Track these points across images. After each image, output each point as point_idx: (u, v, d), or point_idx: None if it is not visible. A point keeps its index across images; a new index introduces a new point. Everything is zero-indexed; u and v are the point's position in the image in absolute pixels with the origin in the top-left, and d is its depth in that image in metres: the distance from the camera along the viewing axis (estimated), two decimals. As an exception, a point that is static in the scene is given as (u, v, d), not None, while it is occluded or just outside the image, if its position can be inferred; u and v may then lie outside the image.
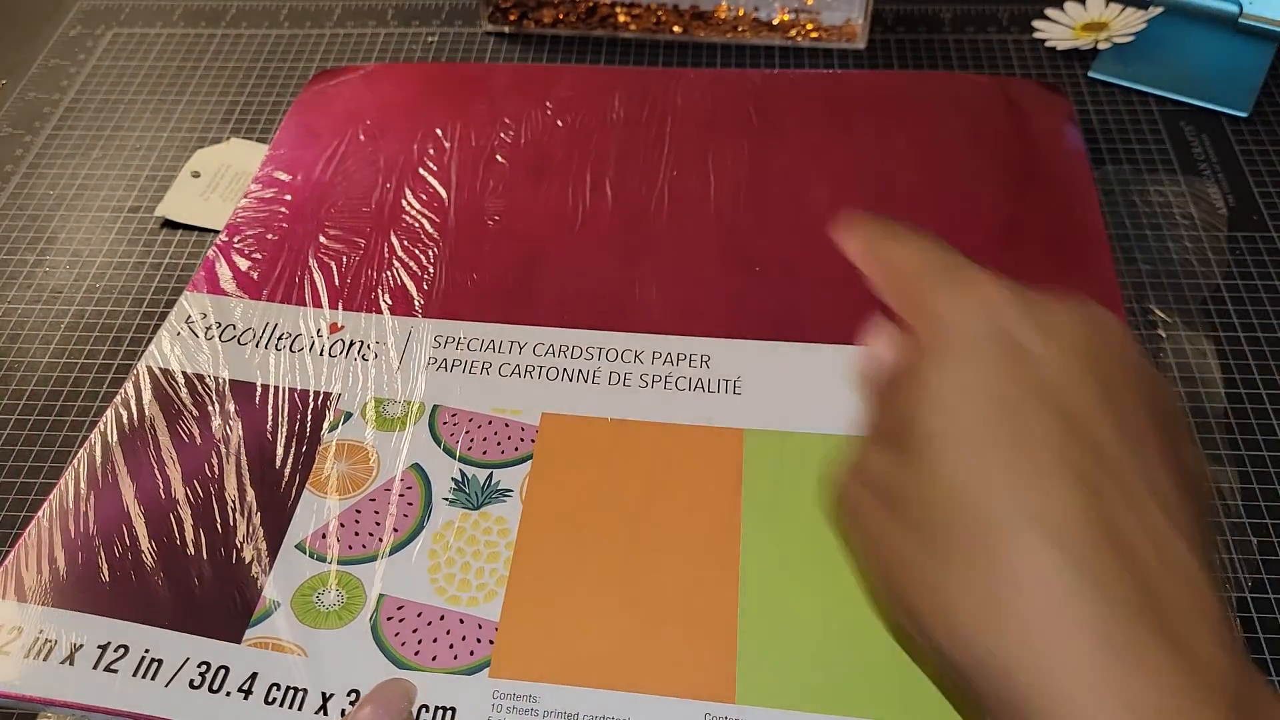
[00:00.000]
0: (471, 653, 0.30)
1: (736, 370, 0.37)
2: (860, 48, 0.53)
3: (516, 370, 0.38)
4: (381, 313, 0.40)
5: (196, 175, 0.47)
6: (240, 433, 0.36)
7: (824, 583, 0.31)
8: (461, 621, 0.31)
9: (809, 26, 0.53)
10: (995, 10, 0.55)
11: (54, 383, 0.40)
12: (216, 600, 0.31)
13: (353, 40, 0.55)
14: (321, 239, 0.42)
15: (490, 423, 0.36)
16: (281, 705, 0.29)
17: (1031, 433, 0.22)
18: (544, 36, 0.55)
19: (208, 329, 0.39)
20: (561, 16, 0.54)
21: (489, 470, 0.35)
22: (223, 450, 0.35)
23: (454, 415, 0.36)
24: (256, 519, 0.33)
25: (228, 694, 0.29)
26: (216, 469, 0.35)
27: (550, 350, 0.38)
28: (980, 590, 0.21)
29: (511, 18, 0.55)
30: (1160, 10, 0.52)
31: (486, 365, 0.38)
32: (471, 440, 0.36)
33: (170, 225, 0.46)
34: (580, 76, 0.50)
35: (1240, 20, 0.52)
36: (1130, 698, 0.19)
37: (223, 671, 0.30)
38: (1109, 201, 0.45)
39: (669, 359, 0.37)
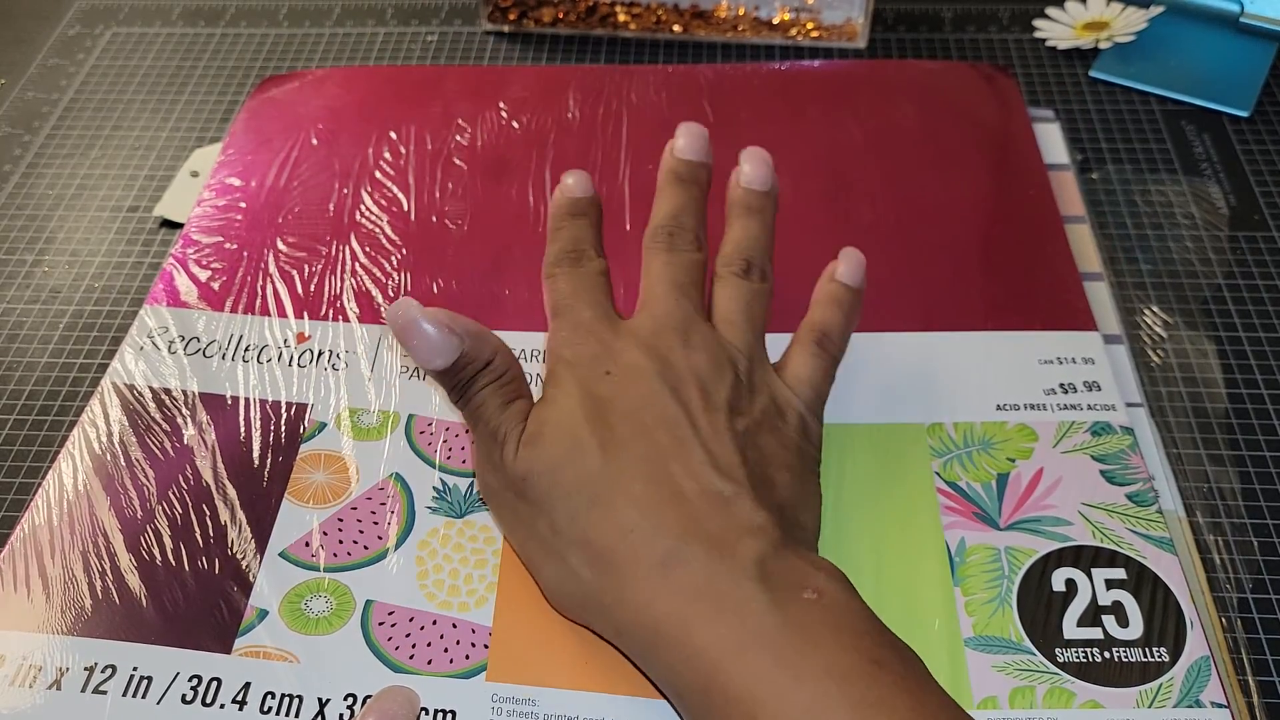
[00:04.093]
0: (467, 656, 0.30)
1: None
2: (861, 47, 0.53)
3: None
4: (349, 321, 0.39)
5: (195, 175, 0.47)
6: (215, 444, 0.35)
7: None
8: (454, 626, 0.31)
9: (809, 25, 0.53)
10: (996, 9, 0.55)
11: (52, 382, 0.40)
12: (202, 612, 0.31)
13: (352, 40, 0.55)
14: (280, 246, 0.42)
15: (467, 431, 0.35)
16: (277, 714, 0.29)
17: (609, 428, 0.29)
18: (544, 36, 0.55)
19: (171, 343, 0.39)
20: (561, 16, 0.54)
21: (470, 479, 0.34)
22: (198, 463, 0.35)
23: (430, 425, 0.36)
24: (238, 530, 0.33)
25: (221, 706, 0.29)
26: (193, 481, 0.34)
27: (522, 355, 0.38)
28: (588, 551, 0.28)
29: (511, 17, 0.55)
30: (1161, 9, 0.52)
31: None
32: (450, 450, 0.35)
33: (169, 225, 0.46)
34: (532, 76, 0.50)
35: (1241, 20, 0.51)
36: (678, 590, 0.26)
37: (215, 684, 0.29)
38: (1110, 201, 0.45)
39: None
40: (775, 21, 0.53)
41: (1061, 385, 0.36)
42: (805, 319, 0.34)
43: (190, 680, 0.29)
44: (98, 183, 0.48)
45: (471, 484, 0.34)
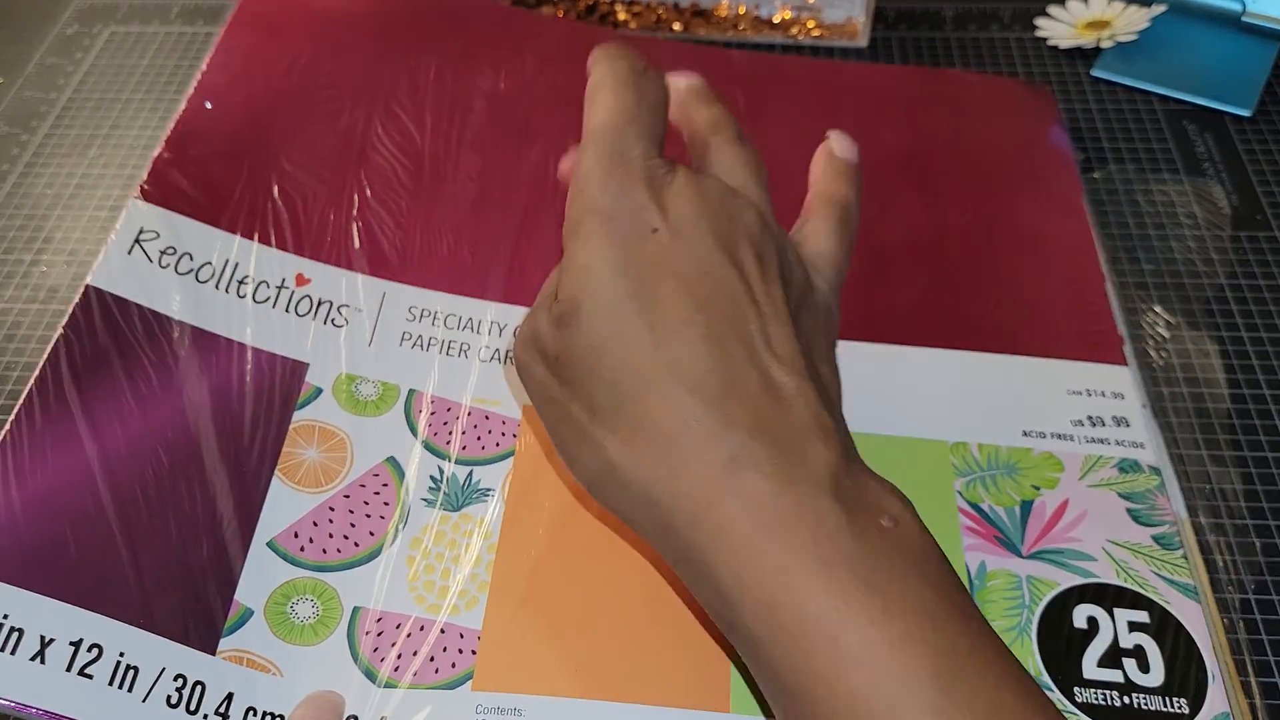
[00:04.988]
0: (453, 665, 0.29)
1: None
2: (862, 45, 0.52)
3: (497, 355, 0.35)
4: (352, 269, 0.36)
5: (194, 174, 0.47)
6: (206, 394, 0.32)
7: None
8: (443, 631, 0.30)
9: (810, 24, 0.53)
10: (997, 8, 0.55)
11: (50, 382, 0.40)
12: (189, 597, 0.29)
13: (351, 38, 0.55)
14: (285, 165, 0.38)
15: (469, 414, 0.34)
16: None
17: (659, 301, 0.25)
18: (544, 34, 0.54)
19: (163, 253, 0.35)
20: (561, 14, 0.54)
21: (469, 468, 0.33)
22: (188, 413, 0.32)
23: (431, 404, 0.34)
24: (228, 505, 0.31)
25: (205, 716, 0.28)
26: (184, 434, 0.31)
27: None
28: (636, 442, 0.25)
29: (511, 15, 0.55)
30: (1163, 8, 0.52)
31: (465, 347, 0.35)
32: (450, 434, 0.33)
33: (168, 224, 0.46)
34: (565, 31, 0.46)
35: (1244, 19, 0.51)
36: (746, 494, 0.24)
37: (199, 688, 0.28)
38: (1112, 201, 0.45)
39: None
40: (776, 20, 0.53)
41: (1090, 418, 0.35)
42: (814, 193, 0.31)
43: (176, 680, 0.28)
44: (95, 182, 0.48)
45: (471, 474, 0.33)
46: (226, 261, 0.35)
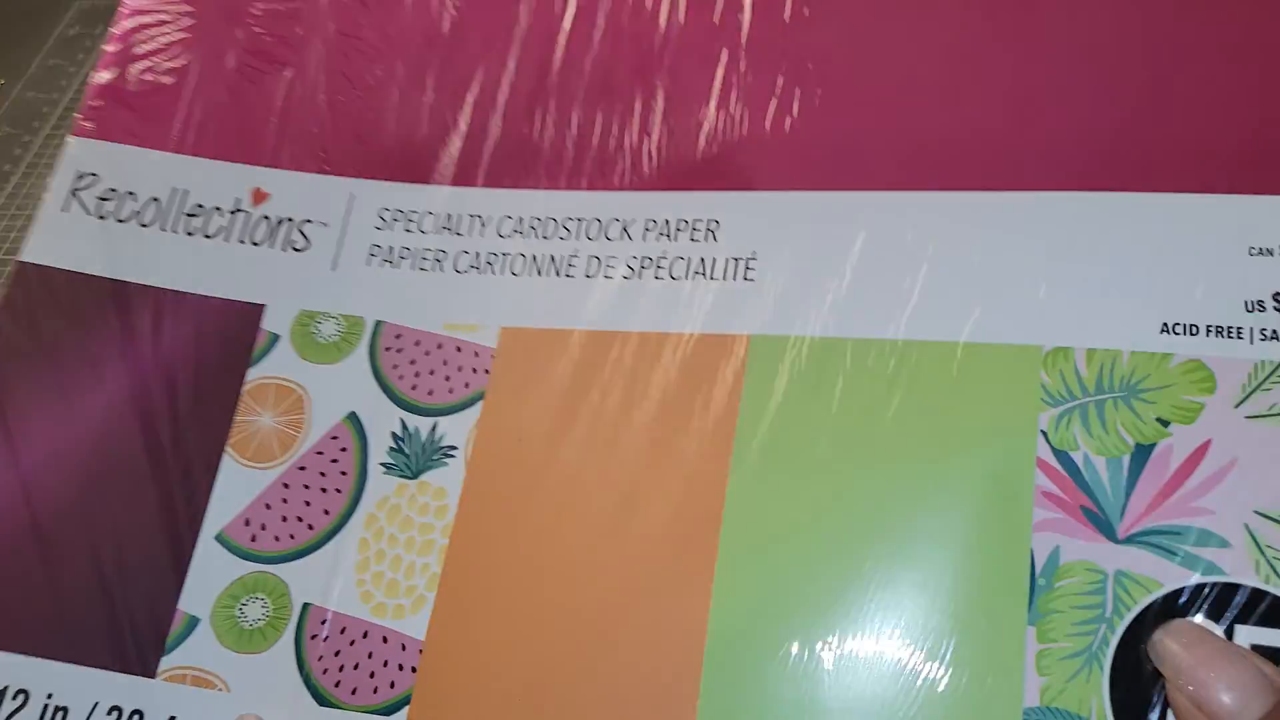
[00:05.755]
0: (392, 684, 0.25)
1: (751, 243, 0.27)
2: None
3: (475, 261, 0.29)
4: (320, 170, 0.30)
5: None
6: (148, 367, 0.29)
7: (825, 592, 0.24)
8: (385, 640, 0.26)
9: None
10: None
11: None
12: (126, 615, 0.27)
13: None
14: (231, 61, 0.32)
15: (440, 347, 0.28)
16: None
17: None
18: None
19: (102, 200, 0.30)
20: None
21: (433, 420, 0.28)
22: (126, 394, 0.28)
23: (399, 337, 0.29)
24: (171, 500, 0.27)
25: None
26: (119, 423, 0.28)
27: (517, 227, 0.29)
28: None
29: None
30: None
31: (441, 255, 0.29)
32: (418, 374, 0.28)
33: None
34: None
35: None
36: None
37: (136, 718, 0.26)
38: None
39: (665, 230, 0.28)
40: None
41: (1276, 296, 0.24)
42: None
43: (110, 714, 0.25)
44: (98, 182, 0.48)
45: (435, 427, 0.28)
46: (174, 191, 0.30)
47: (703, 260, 0.27)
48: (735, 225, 0.28)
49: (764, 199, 0.28)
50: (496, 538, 0.26)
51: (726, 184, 0.28)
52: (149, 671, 0.26)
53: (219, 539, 0.27)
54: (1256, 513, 0.22)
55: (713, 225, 0.28)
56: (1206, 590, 0.22)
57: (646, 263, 0.28)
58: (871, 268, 0.26)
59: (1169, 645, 0.21)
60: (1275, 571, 0.22)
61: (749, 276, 0.27)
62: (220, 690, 0.26)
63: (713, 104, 0.29)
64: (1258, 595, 0.21)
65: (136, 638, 0.26)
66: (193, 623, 0.26)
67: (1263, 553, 0.22)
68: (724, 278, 0.27)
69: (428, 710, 0.25)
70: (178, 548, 0.27)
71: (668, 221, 0.28)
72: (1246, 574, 0.22)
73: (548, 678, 0.25)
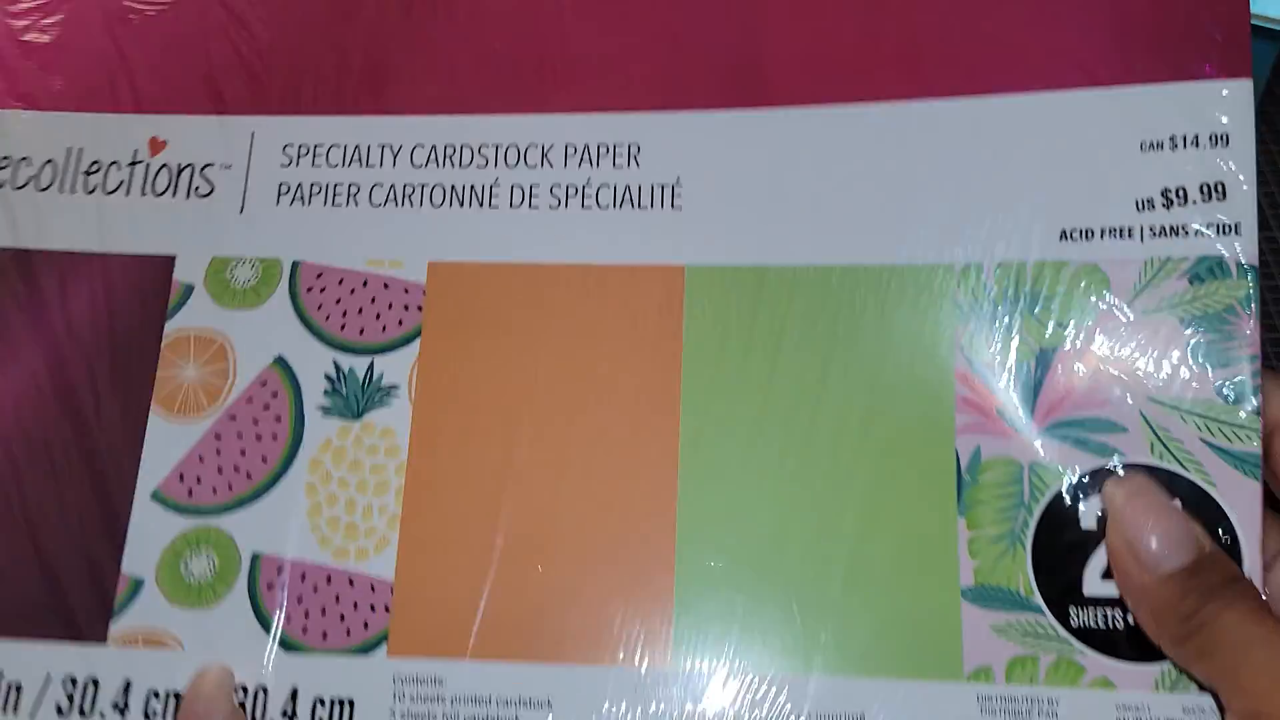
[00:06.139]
0: (366, 624, 0.26)
1: (674, 166, 0.27)
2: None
3: (392, 194, 0.28)
4: (219, 111, 0.29)
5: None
6: (60, 333, 0.28)
7: (786, 499, 0.25)
8: (351, 583, 0.26)
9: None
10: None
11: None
12: (68, 587, 0.26)
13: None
14: (120, 3, 0.30)
15: (366, 284, 0.28)
16: (162, 717, 0.25)
17: None
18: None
19: None
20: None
21: (369, 358, 0.27)
22: (39, 364, 0.28)
23: (319, 276, 0.28)
24: (101, 463, 0.27)
25: (101, 715, 0.25)
26: (35, 395, 0.28)
27: (433, 155, 0.28)
28: None
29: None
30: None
31: (354, 189, 0.28)
32: (345, 313, 0.27)
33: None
34: None
35: (1242, 19, 0.50)
36: None
37: (92, 686, 0.25)
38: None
39: (587, 155, 0.28)
40: None
41: (1166, 193, 0.25)
42: None
43: (65, 685, 0.25)
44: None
45: (371, 365, 0.27)
46: (68, 151, 0.29)
47: (628, 187, 0.27)
48: (656, 149, 0.28)
49: (682, 120, 0.28)
50: (453, 473, 0.26)
51: (642, 105, 0.28)
52: (99, 638, 0.26)
53: (155, 497, 0.27)
54: (1149, 399, 0.24)
55: (634, 150, 0.28)
56: (1109, 471, 0.24)
57: (573, 190, 0.28)
58: (797, 192, 0.27)
59: (1115, 493, 0.24)
60: (1168, 450, 0.24)
61: (676, 204, 0.27)
62: (174, 649, 0.26)
63: (627, 31, 0.29)
64: (1152, 471, 0.24)
65: (83, 606, 0.26)
66: (137, 585, 0.26)
67: (1156, 434, 0.24)
68: (652, 205, 0.27)
69: (405, 645, 0.25)
70: (113, 511, 0.27)
71: (587, 147, 0.28)
72: (1142, 454, 0.24)
73: (521, 599, 0.25)
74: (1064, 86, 0.26)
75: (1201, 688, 0.23)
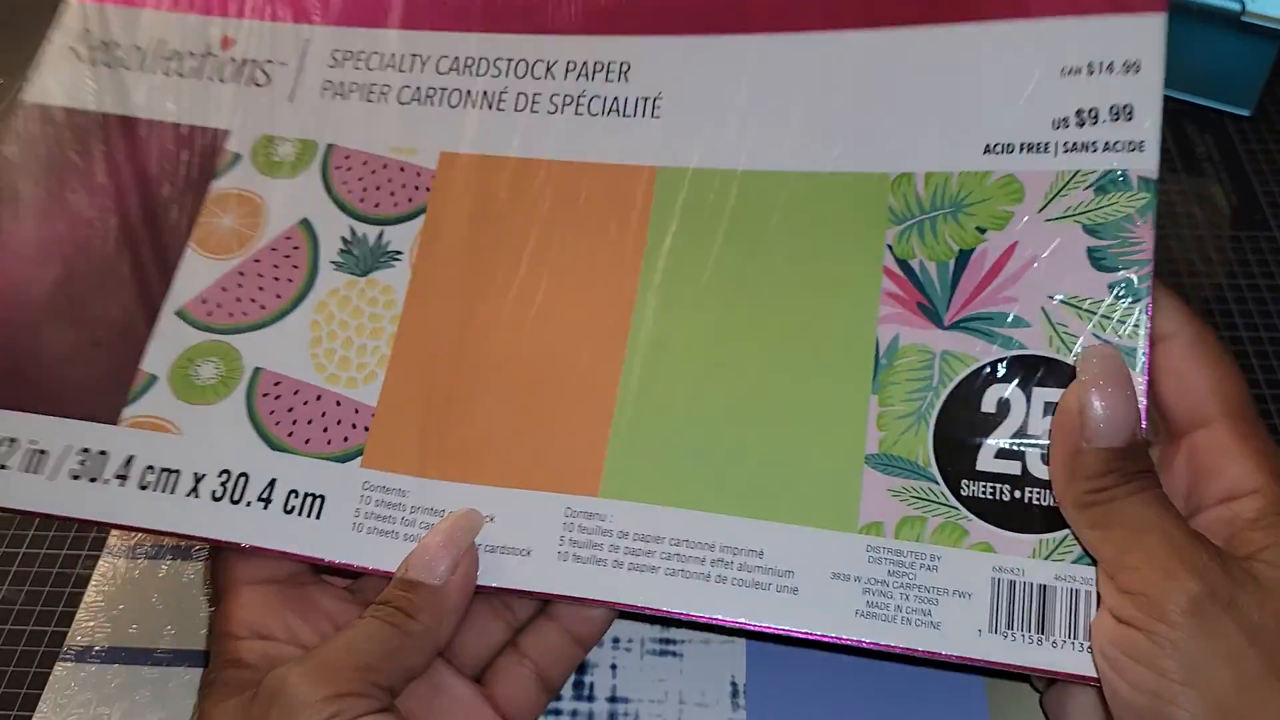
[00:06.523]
0: (345, 438, 0.30)
1: (658, 84, 0.32)
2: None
3: (417, 95, 0.34)
4: (278, 19, 0.35)
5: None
6: (127, 179, 0.33)
7: (720, 364, 0.29)
8: (338, 404, 0.30)
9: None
10: (997, 8, 0.55)
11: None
12: (93, 374, 0.31)
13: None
14: None
15: (385, 166, 0.33)
16: (155, 489, 0.29)
17: None
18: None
19: (92, 50, 0.36)
20: None
21: (380, 228, 0.32)
22: (106, 200, 0.33)
23: (348, 158, 0.33)
24: (141, 281, 0.32)
25: (105, 482, 0.30)
26: (96, 224, 0.33)
27: (455, 66, 0.34)
28: None
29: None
30: (1162, 8, 0.52)
31: (385, 89, 0.34)
32: (365, 189, 0.33)
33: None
34: None
35: (1243, 18, 0.51)
36: None
37: (102, 457, 0.30)
38: (1111, 200, 0.45)
39: (584, 71, 0.33)
40: None
41: (1080, 113, 0.28)
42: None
43: (79, 455, 0.30)
44: (98, 182, 0.48)
45: (381, 234, 0.32)
46: (154, 40, 0.36)
47: (615, 99, 0.32)
48: (643, 67, 0.32)
49: (669, 43, 0.32)
50: (439, 328, 0.31)
51: (636, 29, 0.32)
52: (113, 420, 0.31)
53: (179, 314, 0.32)
54: (1050, 297, 0.27)
55: (625, 68, 0.32)
56: (1011, 361, 0.27)
57: (568, 99, 0.32)
58: (757, 108, 0.31)
59: (1089, 355, 0.25)
60: (1064, 344, 0.27)
61: (656, 114, 0.32)
62: (173, 434, 0.30)
63: None
64: (1050, 363, 0.27)
65: (103, 394, 0.31)
66: (151, 380, 0.31)
67: (1055, 330, 0.27)
68: (635, 114, 0.32)
69: (377, 460, 0.29)
70: (142, 321, 0.32)
71: (585, 63, 0.33)
72: (1042, 347, 0.27)
73: (485, 438, 0.29)
74: (999, 18, 0.29)
75: (1081, 560, 0.25)
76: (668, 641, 0.33)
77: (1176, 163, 0.47)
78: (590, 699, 0.32)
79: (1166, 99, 0.50)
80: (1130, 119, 0.27)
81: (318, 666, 0.25)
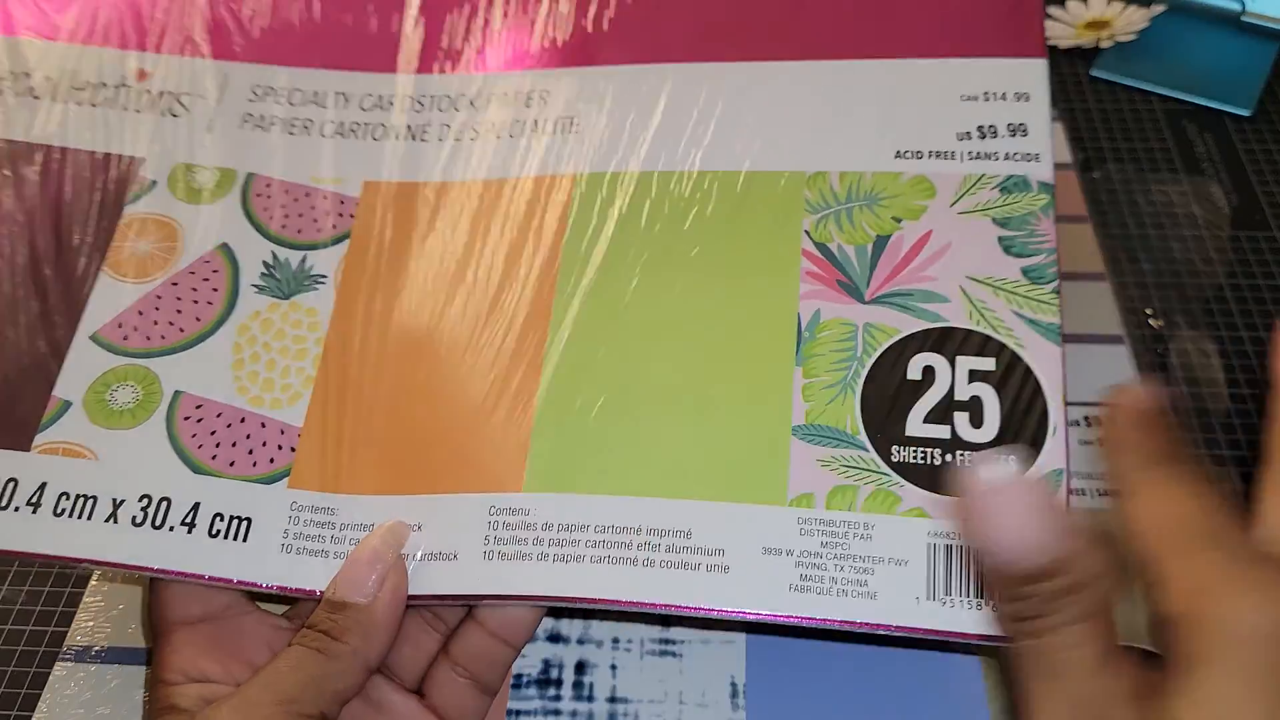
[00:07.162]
0: (271, 460, 0.30)
1: (574, 107, 0.34)
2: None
3: (340, 129, 0.34)
4: (197, 54, 0.35)
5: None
6: (31, 207, 0.33)
7: (643, 352, 0.29)
8: (263, 426, 0.30)
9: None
10: (997, 8, 0.55)
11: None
12: (4, 406, 0.30)
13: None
14: None
15: (308, 195, 0.33)
16: (71, 515, 0.29)
17: None
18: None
19: (1, 79, 0.35)
20: None
21: (303, 252, 0.32)
22: (9, 229, 0.32)
23: (269, 186, 0.33)
24: (51, 307, 0.31)
25: (15, 509, 0.29)
26: (9, 251, 0.32)
27: (379, 103, 0.34)
28: None
29: None
30: (1163, 9, 0.52)
31: (308, 123, 0.34)
32: (287, 216, 0.33)
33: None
34: None
35: (1243, 19, 0.51)
36: None
37: (11, 485, 0.29)
38: (1111, 201, 0.45)
39: (506, 100, 0.34)
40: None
41: (980, 129, 0.31)
42: None
43: None
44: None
45: (305, 259, 0.32)
46: (64, 71, 0.35)
47: (535, 121, 0.33)
48: (561, 94, 0.34)
49: (586, 73, 0.34)
50: (362, 346, 0.31)
51: (555, 63, 0.34)
52: (24, 447, 0.30)
53: (93, 338, 0.31)
54: (967, 277, 0.29)
55: (545, 94, 0.34)
56: (934, 332, 0.28)
57: (489, 126, 0.33)
58: (673, 122, 0.32)
59: (974, 485, 0.21)
60: (984, 318, 0.28)
61: (574, 130, 0.33)
62: (90, 459, 0.29)
63: (544, 3, 0.35)
64: (970, 334, 0.28)
65: (14, 421, 0.30)
66: (65, 406, 0.30)
67: (973, 304, 0.29)
68: (553, 132, 0.33)
69: (304, 479, 0.29)
70: (55, 347, 0.31)
71: (505, 94, 0.34)
72: (962, 320, 0.28)
73: (410, 448, 0.29)
74: (910, 56, 0.33)
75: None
76: (668, 642, 0.33)
77: (1176, 163, 0.47)
78: (590, 699, 0.32)
79: (1167, 99, 0.50)
80: (1026, 135, 0.31)
81: (239, 705, 0.25)
